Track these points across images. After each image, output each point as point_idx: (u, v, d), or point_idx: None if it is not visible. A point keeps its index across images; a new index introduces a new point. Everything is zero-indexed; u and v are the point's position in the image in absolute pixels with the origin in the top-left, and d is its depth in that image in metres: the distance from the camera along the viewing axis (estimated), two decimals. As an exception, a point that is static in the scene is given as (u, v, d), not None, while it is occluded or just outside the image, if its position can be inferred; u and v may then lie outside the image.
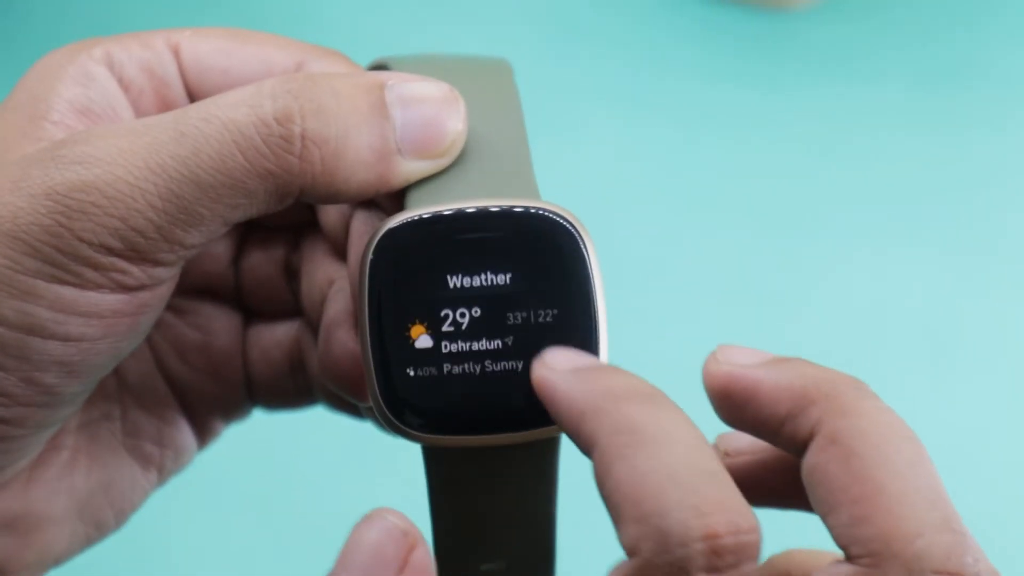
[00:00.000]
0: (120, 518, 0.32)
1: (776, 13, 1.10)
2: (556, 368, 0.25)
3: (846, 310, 0.89)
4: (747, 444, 0.28)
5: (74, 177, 0.25)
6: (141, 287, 0.26)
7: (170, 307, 0.32)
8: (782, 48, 1.07)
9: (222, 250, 0.32)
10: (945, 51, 1.06)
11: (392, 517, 0.25)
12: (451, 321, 0.26)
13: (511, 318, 0.26)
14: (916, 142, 0.99)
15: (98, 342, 0.26)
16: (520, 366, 0.26)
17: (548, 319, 0.26)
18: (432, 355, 0.26)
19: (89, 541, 0.31)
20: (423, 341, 0.26)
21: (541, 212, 0.26)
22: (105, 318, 0.26)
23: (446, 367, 0.26)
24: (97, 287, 0.26)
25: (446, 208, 0.26)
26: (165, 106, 0.29)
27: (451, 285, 0.26)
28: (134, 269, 0.26)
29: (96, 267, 0.25)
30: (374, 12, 1.06)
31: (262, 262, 0.32)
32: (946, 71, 1.04)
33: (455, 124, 0.27)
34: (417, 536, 0.25)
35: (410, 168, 0.27)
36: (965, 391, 0.85)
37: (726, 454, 0.28)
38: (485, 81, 0.30)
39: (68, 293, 0.26)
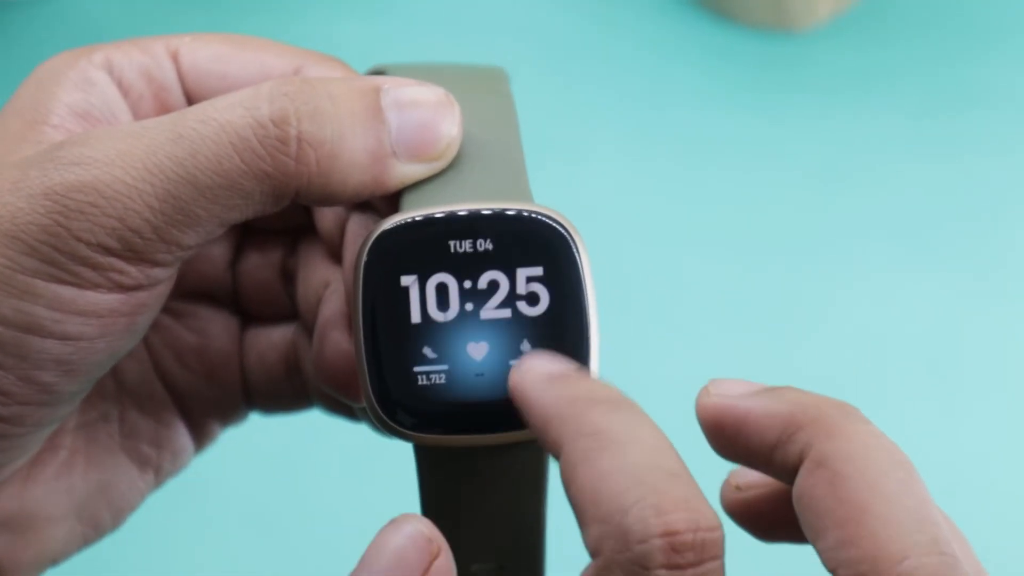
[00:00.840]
0: (117, 519, 0.32)
1: (782, 36, 1.10)
2: (529, 374, 0.25)
3: (852, 337, 0.88)
4: (758, 478, 0.28)
5: (72, 178, 0.25)
6: (138, 287, 0.27)
7: (168, 310, 0.32)
8: (787, 72, 1.07)
9: (219, 253, 0.32)
10: (953, 76, 1.06)
11: (418, 523, 0.25)
12: (443, 315, 0.26)
13: (502, 313, 0.26)
14: (922, 168, 0.99)
15: (96, 341, 0.27)
16: (509, 360, 0.26)
17: (539, 315, 0.26)
18: (424, 348, 0.26)
19: (86, 541, 0.32)
20: (416, 333, 0.26)
21: (534, 215, 0.26)
22: (103, 317, 0.26)
23: (438, 367, 0.26)
24: (95, 287, 0.26)
25: (438, 210, 0.27)
26: (164, 111, 0.29)
27: (445, 280, 0.26)
28: (131, 269, 0.26)
29: (94, 267, 0.26)
30: (374, 27, 1.07)
31: (259, 265, 0.32)
32: (953, 96, 1.04)
33: (450, 128, 0.28)
34: (441, 544, 0.25)
35: (405, 171, 0.27)
36: (971, 416, 0.84)
37: (737, 488, 0.28)
38: (481, 87, 0.30)
39: (66, 292, 0.26)
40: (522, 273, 0.26)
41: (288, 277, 0.32)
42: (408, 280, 0.26)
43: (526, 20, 1.10)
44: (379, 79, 0.28)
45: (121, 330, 0.27)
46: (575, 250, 0.26)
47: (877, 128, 1.02)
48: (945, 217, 0.96)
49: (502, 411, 0.26)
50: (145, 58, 0.29)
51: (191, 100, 0.30)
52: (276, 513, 0.78)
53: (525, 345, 0.26)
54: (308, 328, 0.32)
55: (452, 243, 0.26)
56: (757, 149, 1.01)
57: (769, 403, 0.25)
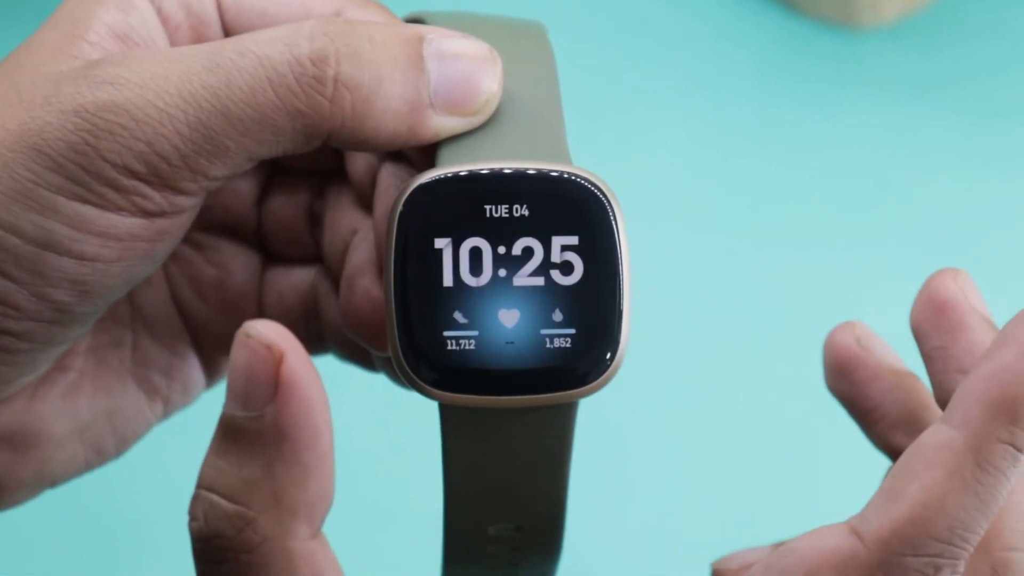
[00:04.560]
0: (121, 447, 0.32)
1: (847, 31, 1.09)
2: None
3: (886, 338, 0.88)
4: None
5: (105, 97, 0.25)
6: (161, 214, 0.26)
7: (190, 242, 0.32)
8: (847, 68, 1.06)
9: (246, 189, 0.32)
10: (1015, 87, 1.04)
11: (256, 330, 0.23)
12: (476, 280, 0.26)
13: (535, 281, 0.26)
14: (973, 177, 0.98)
15: (112, 264, 0.26)
16: (540, 329, 0.26)
17: (572, 284, 0.26)
18: (454, 312, 0.26)
19: (88, 466, 0.31)
20: (447, 297, 0.26)
21: (574, 178, 0.26)
22: (122, 240, 0.26)
23: (467, 325, 0.26)
24: (117, 209, 0.26)
25: (482, 167, 0.26)
26: (200, 43, 0.29)
27: (480, 244, 0.26)
28: (155, 195, 0.26)
29: (118, 189, 0.25)
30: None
31: (286, 205, 0.32)
32: (1013, 107, 1.03)
33: (490, 84, 0.27)
34: (283, 348, 0.23)
35: (441, 123, 0.27)
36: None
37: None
38: (521, 43, 0.29)
39: (88, 212, 0.26)
40: (557, 241, 0.26)
41: (314, 220, 0.32)
42: (442, 242, 0.26)
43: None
44: (423, 28, 0.27)
45: (139, 255, 0.27)
46: (613, 219, 0.26)
47: (932, 133, 1.01)
48: (991, 228, 0.95)
49: (528, 373, 0.26)
50: None
51: (228, 34, 0.29)
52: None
53: (557, 315, 0.26)
54: (332, 273, 0.31)
55: (488, 206, 0.26)
56: (808, 143, 1.00)
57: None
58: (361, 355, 0.32)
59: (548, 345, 0.26)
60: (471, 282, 0.26)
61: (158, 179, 0.26)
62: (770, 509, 0.77)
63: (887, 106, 1.03)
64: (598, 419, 0.82)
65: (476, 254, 0.26)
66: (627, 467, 0.77)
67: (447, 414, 0.27)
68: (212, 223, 0.32)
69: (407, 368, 0.26)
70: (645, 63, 1.04)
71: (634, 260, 0.26)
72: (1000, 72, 1.06)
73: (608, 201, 0.26)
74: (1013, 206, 0.96)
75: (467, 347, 0.26)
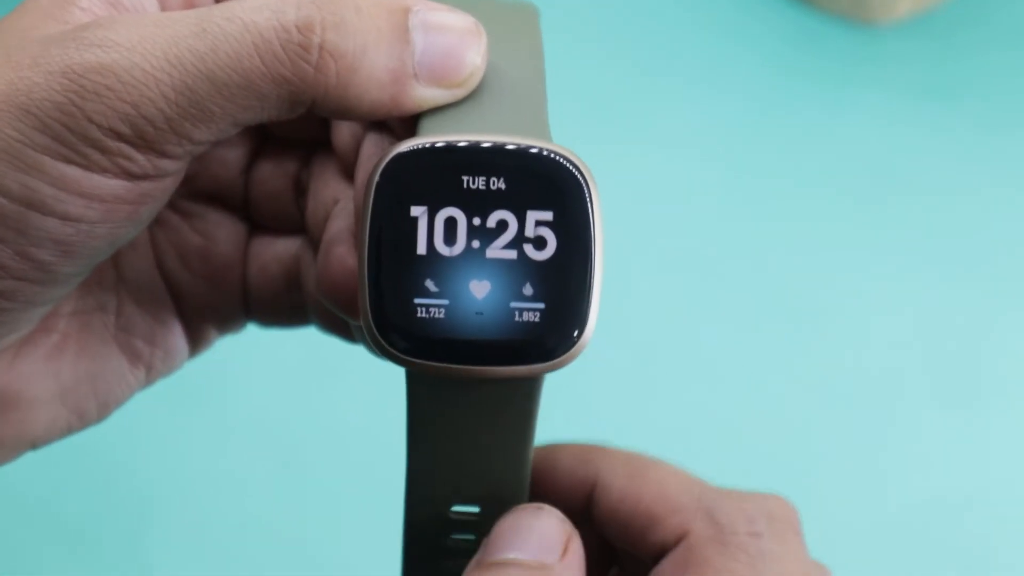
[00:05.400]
0: (103, 411, 0.32)
1: (859, 27, 1.08)
2: None
3: (888, 340, 0.88)
4: None
5: (92, 58, 0.25)
6: (145, 176, 0.26)
7: (176, 209, 0.32)
8: (859, 65, 1.06)
9: (234, 158, 0.32)
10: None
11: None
12: (449, 250, 0.26)
13: (508, 254, 0.26)
14: (984, 174, 0.98)
15: (96, 225, 0.27)
16: (510, 302, 0.26)
17: (544, 259, 0.26)
18: (426, 280, 0.26)
19: (70, 429, 0.32)
20: (420, 264, 0.26)
21: (552, 155, 0.26)
22: (106, 202, 0.26)
23: (439, 301, 0.26)
24: (102, 170, 0.26)
25: (461, 139, 0.26)
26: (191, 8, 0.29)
27: (455, 215, 0.26)
28: (140, 157, 0.26)
29: (103, 150, 0.26)
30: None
31: (273, 175, 0.32)
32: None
33: (474, 57, 0.27)
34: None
35: (424, 95, 0.27)
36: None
37: None
38: (511, 21, 0.29)
39: (72, 172, 0.26)
40: (532, 216, 0.26)
41: (300, 190, 0.32)
42: (418, 211, 0.26)
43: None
44: (410, 0, 0.27)
45: (123, 217, 0.27)
46: (588, 198, 0.26)
47: (942, 130, 1.01)
48: (999, 234, 0.94)
49: (496, 344, 0.26)
50: None
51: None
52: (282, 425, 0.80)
53: (528, 288, 0.26)
54: (314, 242, 0.31)
55: (466, 177, 0.26)
56: (817, 138, 0.99)
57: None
58: (342, 328, 0.32)
59: (517, 318, 0.26)
60: (444, 251, 0.26)
61: (143, 141, 0.26)
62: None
63: (896, 103, 1.03)
64: (598, 412, 0.82)
65: (451, 224, 0.26)
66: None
67: (413, 381, 0.27)
68: (199, 191, 0.32)
69: (376, 334, 0.26)
70: (657, 56, 1.04)
71: (640, 251, 0.27)
72: (1013, 68, 1.06)
73: (584, 179, 0.26)
74: (1020, 202, 0.96)
75: (436, 315, 0.26)
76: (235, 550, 0.77)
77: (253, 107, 0.26)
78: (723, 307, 0.88)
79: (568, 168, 0.26)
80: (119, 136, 0.26)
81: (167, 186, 0.27)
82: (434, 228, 0.26)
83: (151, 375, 0.33)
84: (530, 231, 0.26)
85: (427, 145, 0.26)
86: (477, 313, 0.26)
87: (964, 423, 0.83)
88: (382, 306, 0.26)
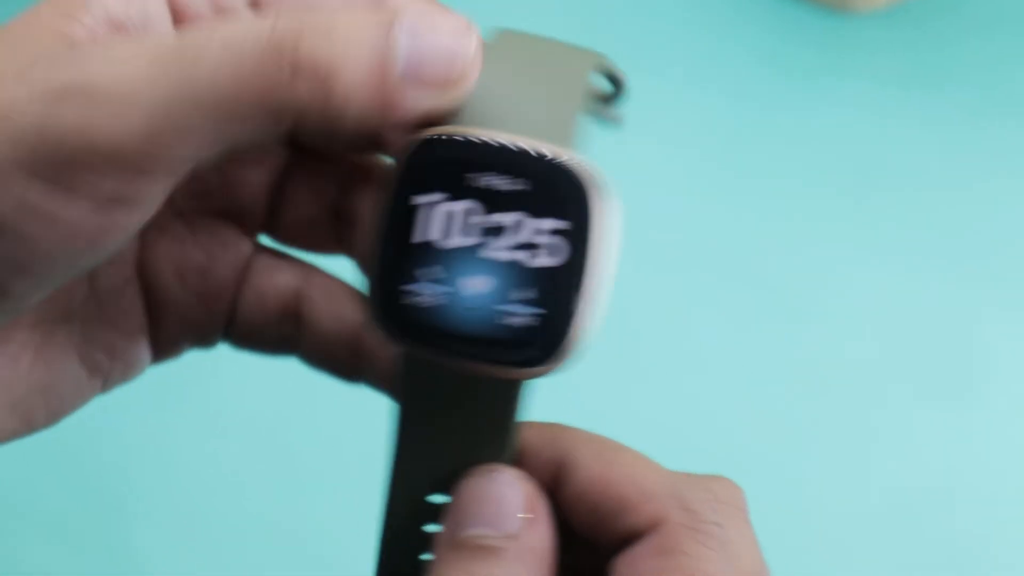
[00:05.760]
0: (52, 419, 0.30)
1: (841, 15, 1.07)
2: None
3: (874, 332, 0.88)
4: None
5: (69, 78, 0.25)
6: (116, 199, 0.25)
7: (185, 221, 0.31)
8: (838, 53, 1.05)
9: (256, 177, 0.31)
10: (1011, 81, 1.03)
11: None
12: (459, 243, 0.26)
13: (508, 256, 0.26)
14: (967, 169, 0.98)
15: (54, 247, 0.25)
16: (499, 304, 0.26)
17: (542, 267, 0.26)
18: (424, 276, 0.26)
19: (15, 435, 0.30)
20: (429, 254, 0.26)
21: (573, 165, 0.26)
22: (70, 224, 0.25)
23: (435, 290, 0.26)
24: (68, 190, 0.25)
25: (486, 136, 0.26)
26: None
27: (460, 209, 0.26)
28: (110, 179, 0.25)
29: (74, 168, 0.25)
30: None
31: (308, 199, 0.31)
32: (1006, 101, 1.02)
33: (465, 56, 0.26)
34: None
35: (415, 99, 0.26)
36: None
37: None
38: (570, 54, 0.29)
39: (40, 190, 0.25)
40: (538, 223, 0.26)
41: (336, 214, 0.31)
42: (429, 199, 0.26)
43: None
44: (399, 2, 0.27)
45: (83, 245, 0.26)
46: (601, 215, 0.26)
47: (921, 118, 1.00)
48: (982, 221, 0.95)
49: (481, 345, 0.26)
50: None
51: None
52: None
53: (520, 293, 0.26)
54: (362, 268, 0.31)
55: (480, 176, 0.26)
56: (797, 130, 0.99)
57: None
58: (336, 365, 0.31)
59: (504, 320, 0.26)
60: (446, 243, 0.26)
61: (119, 159, 0.25)
62: (767, 503, 0.78)
63: (877, 92, 1.02)
64: (584, 401, 0.81)
65: (457, 217, 0.26)
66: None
67: (408, 369, 0.28)
68: (214, 208, 0.31)
69: (379, 313, 0.27)
70: (637, 48, 1.03)
71: (625, 244, 0.27)
72: (990, 55, 1.05)
73: (601, 196, 0.26)
74: (1004, 198, 0.96)
75: (431, 304, 0.26)
76: (224, 544, 0.76)
77: (234, 125, 0.25)
78: (710, 299, 0.88)
79: (587, 181, 0.26)
80: (94, 151, 0.24)
81: (136, 218, 0.26)
82: (441, 218, 0.26)
83: (107, 385, 0.31)
84: (533, 237, 0.26)
85: (446, 138, 0.26)
86: (468, 309, 0.26)
87: (951, 414, 0.84)
88: (383, 286, 0.27)
